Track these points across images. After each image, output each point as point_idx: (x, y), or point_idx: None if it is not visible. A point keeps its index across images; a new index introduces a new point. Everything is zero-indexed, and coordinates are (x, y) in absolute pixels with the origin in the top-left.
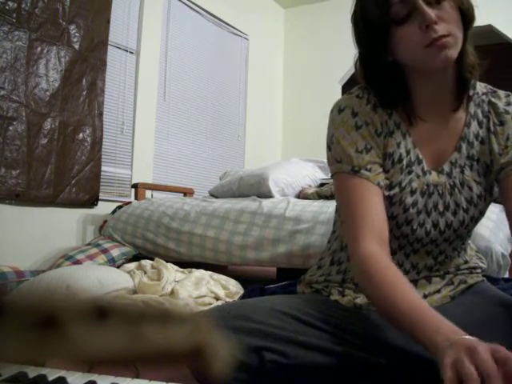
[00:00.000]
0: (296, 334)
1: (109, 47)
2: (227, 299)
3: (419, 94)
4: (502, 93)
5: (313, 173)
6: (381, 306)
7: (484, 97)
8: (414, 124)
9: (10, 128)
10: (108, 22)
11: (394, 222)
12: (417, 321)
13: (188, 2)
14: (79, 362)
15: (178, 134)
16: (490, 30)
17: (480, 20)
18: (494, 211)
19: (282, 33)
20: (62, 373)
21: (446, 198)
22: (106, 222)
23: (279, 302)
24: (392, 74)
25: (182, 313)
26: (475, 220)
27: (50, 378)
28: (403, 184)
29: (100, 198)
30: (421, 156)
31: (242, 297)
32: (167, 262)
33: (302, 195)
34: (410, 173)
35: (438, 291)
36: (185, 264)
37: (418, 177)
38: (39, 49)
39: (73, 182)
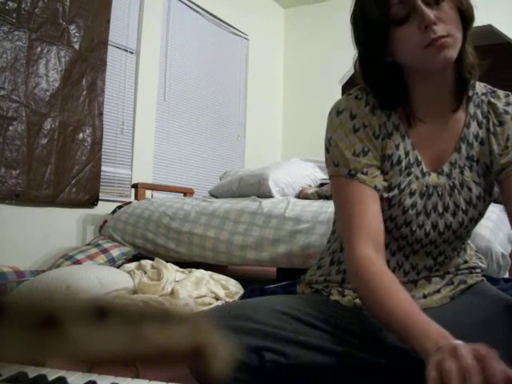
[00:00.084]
0: (296, 334)
1: (109, 47)
2: (227, 299)
3: (418, 94)
4: (501, 93)
5: (313, 173)
6: (374, 310)
7: (483, 97)
8: (413, 125)
9: (10, 128)
10: (108, 22)
11: (393, 223)
12: (409, 326)
13: (188, 2)
14: (79, 361)
15: (178, 134)
16: (489, 30)
17: (480, 20)
18: (494, 211)
19: (282, 33)
20: (61, 373)
21: (446, 199)
22: (105, 221)
23: (279, 302)
24: (391, 75)
25: (182, 313)
26: (474, 221)
27: (50, 378)
28: (402, 186)
29: (100, 197)
30: (420, 157)
31: (242, 297)
32: (167, 262)
33: (302, 195)
34: (409, 174)
35: (438, 291)
36: (185, 264)
37: (417, 178)
38: (39, 49)
39: (73, 182)
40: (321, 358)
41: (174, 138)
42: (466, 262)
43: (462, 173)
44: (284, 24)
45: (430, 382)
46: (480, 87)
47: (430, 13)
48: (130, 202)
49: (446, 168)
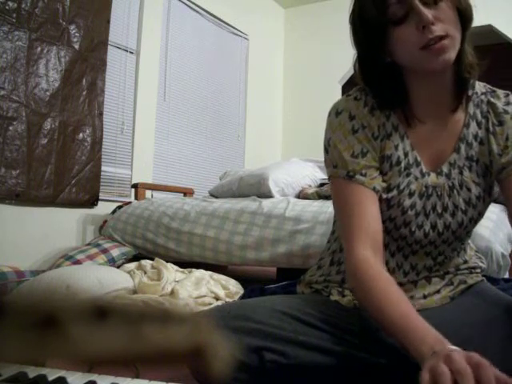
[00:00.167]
0: (296, 334)
1: (109, 47)
2: (227, 299)
3: (417, 94)
4: (501, 92)
5: (313, 173)
6: (372, 312)
7: (483, 97)
8: (412, 126)
9: (10, 128)
10: (108, 22)
11: (392, 224)
12: (405, 330)
13: (188, 2)
14: (79, 361)
15: (178, 134)
16: (489, 30)
17: (480, 20)
18: (494, 211)
19: (282, 33)
20: (62, 373)
21: (445, 200)
22: (105, 221)
23: (279, 302)
24: (390, 75)
25: (182, 313)
26: (474, 221)
27: (50, 378)
28: (401, 186)
29: (100, 197)
30: (419, 158)
31: (242, 297)
32: (167, 261)
33: (301, 195)
34: (408, 175)
35: (438, 291)
36: (185, 264)
37: (417, 179)
38: (39, 49)
39: (73, 182)
40: (321, 358)
41: (174, 138)
42: (465, 262)
43: (461, 173)
44: (284, 24)
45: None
46: (480, 87)
47: (428, 12)
48: (129, 202)
49: (445, 168)
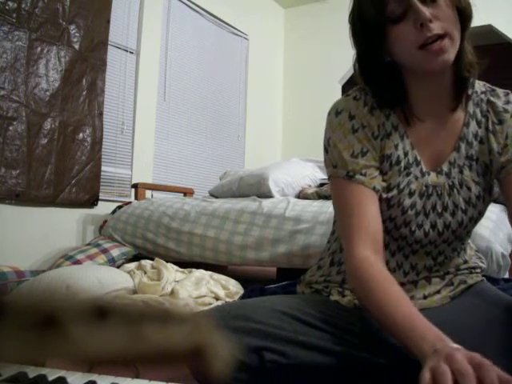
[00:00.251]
0: (296, 334)
1: (109, 47)
2: (227, 299)
3: (416, 93)
4: (500, 91)
5: (313, 173)
6: (372, 311)
7: (483, 96)
8: (412, 124)
9: (10, 128)
10: (108, 22)
11: (392, 223)
12: (406, 328)
13: (188, 2)
14: (79, 361)
15: (178, 134)
16: (489, 30)
17: (480, 20)
18: (494, 211)
19: (282, 33)
20: (62, 373)
21: (445, 199)
22: (105, 221)
23: (279, 302)
24: (389, 74)
25: (182, 313)
26: (474, 221)
27: (50, 378)
28: (401, 186)
29: (100, 198)
30: (419, 157)
31: (242, 297)
32: (167, 261)
33: (301, 195)
34: (408, 174)
35: (438, 292)
36: (185, 264)
37: (417, 178)
38: (39, 49)
39: (73, 182)
40: (321, 358)
41: (174, 138)
42: (465, 262)
43: (461, 172)
44: (284, 24)
45: (424, 382)
46: (479, 86)
47: (426, 10)
48: (130, 202)
49: (445, 167)
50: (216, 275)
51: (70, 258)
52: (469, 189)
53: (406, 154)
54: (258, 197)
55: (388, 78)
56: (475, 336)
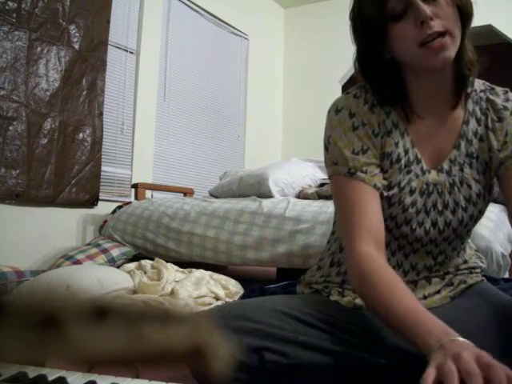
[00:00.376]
0: (296, 334)
1: (109, 47)
2: (227, 299)
3: (416, 91)
4: (499, 89)
5: (313, 173)
6: (375, 306)
7: (482, 94)
8: (412, 122)
9: (10, 128)
10: (108, 22)
11: (393, 222)
12: (411, 323)
13: (188, 2)
14: (79, 361)
15: (178, 134)
16: (489, 30)
17: (480, 20)
18: (494, 211)
19: (282, 33)
20: (62, 373)
21: (445, 197)
22: (105, 221)
23: (279, 302)
24: (390, 71)
25: (182, 313)
26: (474, 219)
27: (50, 378)
28: (402, 184)
29: (100, 198)
30: (419, 155)
31: (242, 297)
32: (167, 261)
33: (302, 195)
34: (408, 172)
35: (438, 292)
36: (185, 264)
37: (417, 176)
38: (39, 49)
39: (73, 182)
40: (321, 358)
41: (174, 138)
42: (465, 261)
43: (461, 170)
44: (284, 24)
45: (428, 379)
46: (478, 84)
47: (427, 8)
48: (130, 202)
49: (445, 165)
50: (216, 275)
51: (69, 258)
52: (469, 187)
53: (406, 152)
54: (258, 197)
55: (388, 75)
56: (475, 335)
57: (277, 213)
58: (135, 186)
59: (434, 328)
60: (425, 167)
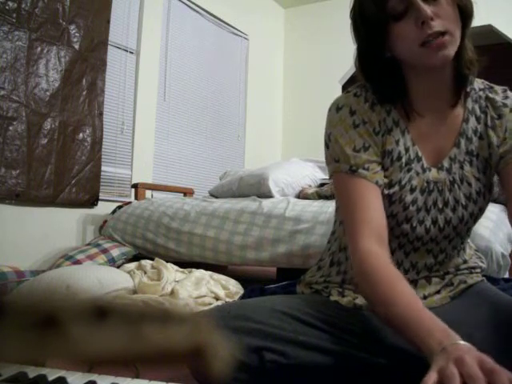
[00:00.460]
0: (296, 334)
1: (109, 47)
2: (227, 299)
3: (416, 89)
4: (498, 88)
5: (313, 173)
6: (377, 303)
7: (481, 92)
8: (412, 119)
9: (10, 128)
10: (108, 22)
11: (394, 220)
12: (412, 322)
13: (188, 2)
14: (79, 361)
15: (178, 134)
16: (489, 30)
17: (480, 20)
18: (494, 211)
19: (282, 33)
20: (62, 373)
21: (446, 195)
22: (105, 221)
23: (279, 302)
24: (390, 70)
25: (182, 313)
26: (474, 217)
27: (50, 378)
28: (403, 182)
29: (100, 198)
30: (420, 153)
31: (242, 297)
32: (167, 261)
33: (302, 195)
34: (409, 170)
35: (438, 292)
36: (185, 264)
37: (418, 174)
38: (39, 49)
39: (73, 182)
40: (321, 358)
41: (174, 138)
42: (465, 261)
43: (461, 168)
44: (284, 24)
45: (429, 382)
46: (478, 83)
47: (427, 8)
48: (130, 202)
49: (445, 163)
50: (216, 275)
51: (69, 258)
52: (469, 184)
53: (406, 150)
54: (258, 197)
55: (388, 73)
56: (475, 336)
57: (277, 213)
58: (135, 185)
59: (434, 329)
60: (425, 165)
